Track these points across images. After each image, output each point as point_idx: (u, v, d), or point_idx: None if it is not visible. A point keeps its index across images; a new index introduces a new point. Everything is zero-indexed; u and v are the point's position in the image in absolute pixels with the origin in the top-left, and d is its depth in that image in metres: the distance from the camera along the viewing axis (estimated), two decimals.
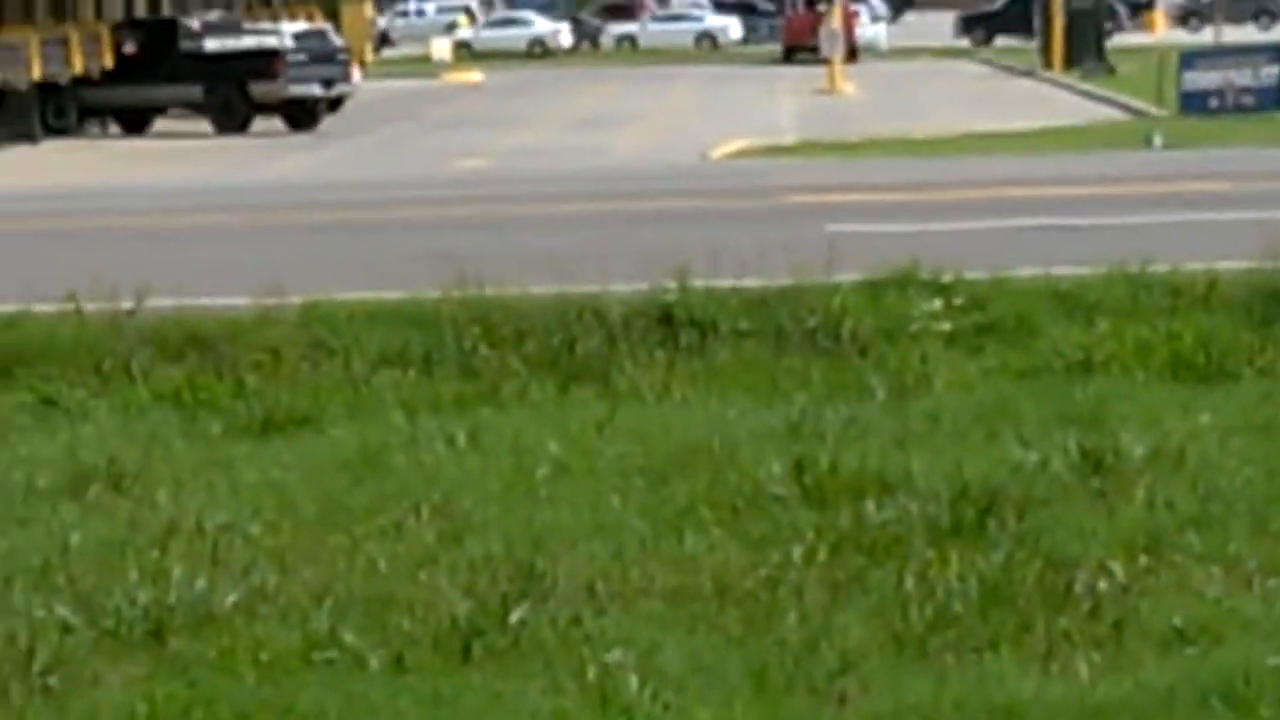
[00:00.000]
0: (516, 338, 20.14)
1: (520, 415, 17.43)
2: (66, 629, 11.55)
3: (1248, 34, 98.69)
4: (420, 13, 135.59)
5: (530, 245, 27.69)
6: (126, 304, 21.06)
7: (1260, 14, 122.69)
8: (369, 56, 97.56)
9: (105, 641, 11.44)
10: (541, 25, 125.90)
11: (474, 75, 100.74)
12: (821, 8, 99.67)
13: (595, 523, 13.51)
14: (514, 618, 11.48)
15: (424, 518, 13.71)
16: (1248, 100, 60.05)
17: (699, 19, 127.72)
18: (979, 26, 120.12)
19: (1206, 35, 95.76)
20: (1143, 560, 12.29)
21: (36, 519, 14.10)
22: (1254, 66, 62.31)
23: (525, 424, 16.86)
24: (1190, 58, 63.98)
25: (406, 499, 14.20)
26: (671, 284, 21.10)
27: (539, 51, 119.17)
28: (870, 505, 13.58)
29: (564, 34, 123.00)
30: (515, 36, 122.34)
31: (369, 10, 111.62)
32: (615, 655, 10.83)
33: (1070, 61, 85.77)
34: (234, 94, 67.19)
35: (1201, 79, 61.36)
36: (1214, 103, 60.07)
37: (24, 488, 15.02)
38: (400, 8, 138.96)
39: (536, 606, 11.68)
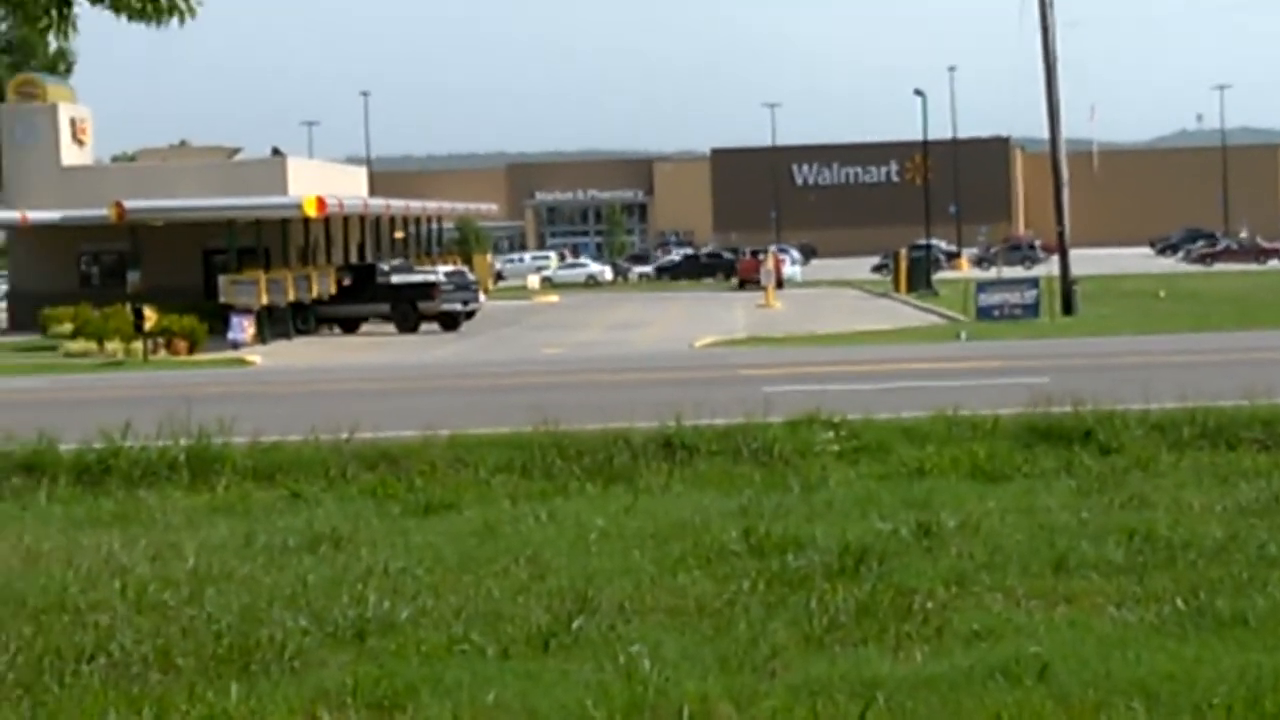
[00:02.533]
0: (578, 455, 20.14)
1: (579, 503, 17.41)
2: (304, 632, 11.54)
3: (1018, 271, 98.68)
4: (521, 259, 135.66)
5: (587, 400, 27.70)
6: (344, 435, 21.11)
7: (1025, 259, 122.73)
8: (490, 286, 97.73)
9: (328, 640, 11.42)
10: (593, 266, 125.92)
11: (553, 297, 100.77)
12: (761, 256, 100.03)
13: (624, 567, 13.51)
14: (575, 625, 11.47)
15: (520, 565, 13.70)
16: (1018, 311, 60.06)
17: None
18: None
19: (993, 272, 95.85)
20: (954, 590, 12.27)
21: (288, 565, 14.10)
22: (1021, 290, 62.41)
23: (582, 508, 16.85)
24: (983, 285, 64.07)
25: (510, 553, 14.19)
26: (672, 422, 21.12)
27: (592, 283, 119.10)
28: (790, 556, 13.58)
29: (607, 272, 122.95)
30: (577, 273, 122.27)
31: (489, 258, 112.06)
32: (636, 648, 10.81)
33: (911, 288, 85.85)
34: (409, 309, 67.28)
35: (990, 299, 61.42)
36: (997, 313, 60.08)
37: (280, 546, 15.03)
38: (508, 256, 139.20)
39: (588, 619, 11.67)
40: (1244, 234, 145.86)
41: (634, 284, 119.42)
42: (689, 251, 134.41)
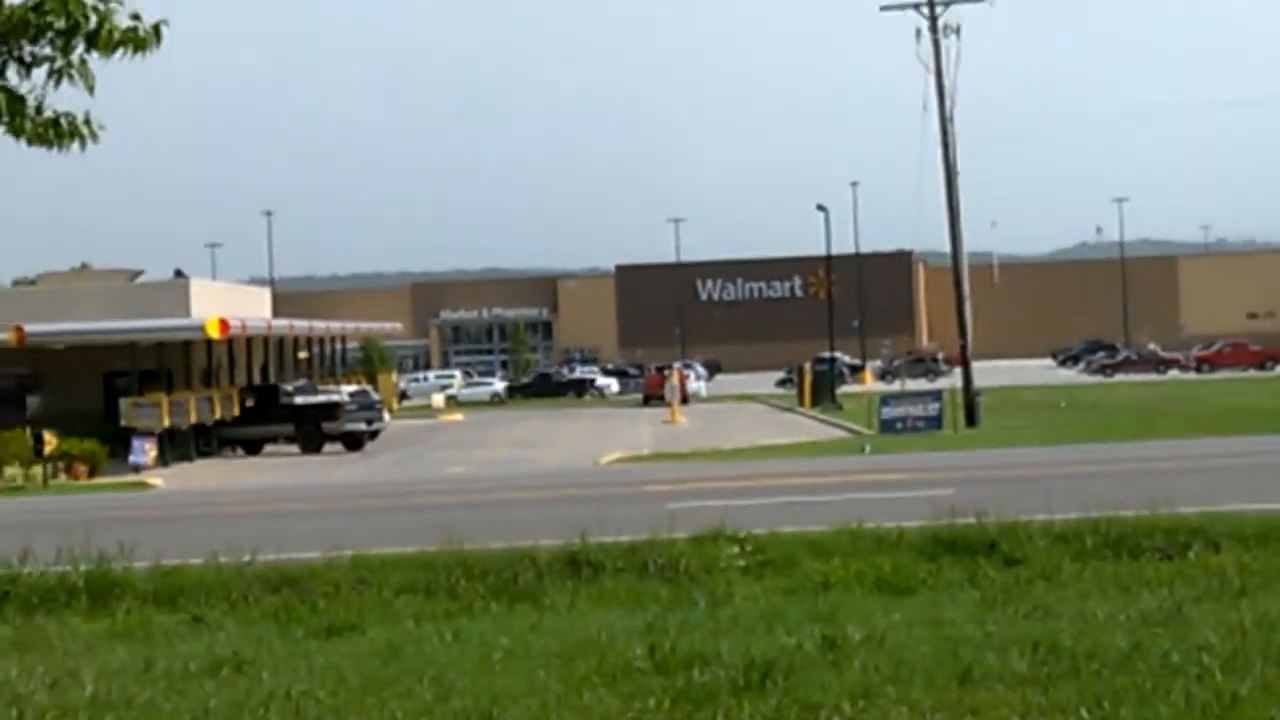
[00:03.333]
0: (483, 574, 20.05)
1: (484, 622, 17.29)
2: None
3: (921, 384, 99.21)
4: (425, 378, 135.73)
5: (492, 518, 27.61)
6: (246, 557, 20.94)
7: (928, 372, 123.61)
8: (395, 405, 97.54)
9: None
10: (497, 384, 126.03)
11: (458, 415, 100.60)
12: (666, 372, 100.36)
13: (529, 686, 13.39)
14: None
15: (425, 685, 13.56)
16: (921, 424, 60.38)
17: (594, 379, 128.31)
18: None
19: (897, 385, 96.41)
20: (860, 704, 12.22)
21: (189, 690, 13.91)
22: (924, 403, 62.78)
23: (487, 627, 16.74)
24: (886, 399, 64.40)
25: (415, 674, 14.05)
26: (577, 540, 21.08)
27: (497, 400, 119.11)
28: (696, 672, 13.49)
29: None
30: (482, 391, 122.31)
31: (394, 377, 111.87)
32: None
33: (815, 402, 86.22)
34: (313, 429, 67.15)
35: (893, 412, 61.72)
36: (900, 426, 60.36)
37: (181, 671, 14.84)
38: (413, 375, 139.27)
39: None
40: (1151, 345, 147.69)
41: (537, 402, 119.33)
42: (542, 370, 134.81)
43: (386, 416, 74.85)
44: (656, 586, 19.22)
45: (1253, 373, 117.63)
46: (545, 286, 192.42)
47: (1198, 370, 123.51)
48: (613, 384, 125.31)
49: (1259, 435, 46.59)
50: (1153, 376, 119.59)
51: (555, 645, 15.30)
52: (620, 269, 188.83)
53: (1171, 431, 51.03)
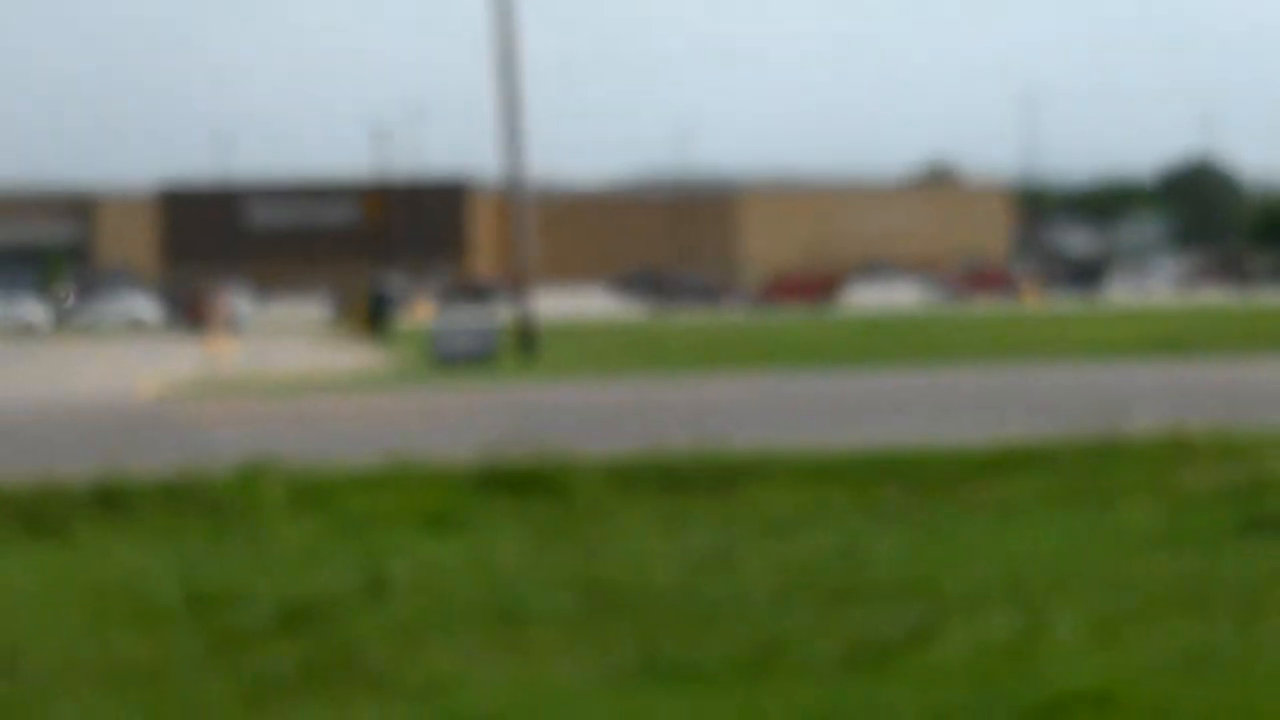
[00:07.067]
0: (2, 508, 19.44)
1: (6, 561, 16.74)
2: None
3: (477, 313, 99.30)
4: None
5: (17, 448, 26.81)
6: None
7: (484, 301, 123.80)
8: None
9: None
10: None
11: None
12: (212, 298, 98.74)
13: (55, 628, 13.13)
14: None
15: None
16: (476, 354, 60.05)
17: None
18: None
19: (452, 314, 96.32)
20: (403, 643, 12.22)
21: None
22: (479, 333, 62.32)
23: (9, 566, 16.28)
24: (440, 328, 63.86)
25: None
26: (112, 472, 20.60)
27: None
28: (232, 613, 13.34)
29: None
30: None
31: None
32: None
33: (368, 330, 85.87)
34: None
35: (448, 342, 61.23)
36: (454, 356, 59.84)
37: None
38: None
39: None
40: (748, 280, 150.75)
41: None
42: None
43: None
44: (196, 522, 18.88)
45: (809, 305, 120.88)
46: (81, 205, 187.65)
47: (756, 304, 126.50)
48: (154, 310, 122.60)
49: (816, 370, 47.80)
50: (712, 308, 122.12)
51: (84, 585, 14.95)
52: (166, 189, 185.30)
53: (731, 364, 52.02)
